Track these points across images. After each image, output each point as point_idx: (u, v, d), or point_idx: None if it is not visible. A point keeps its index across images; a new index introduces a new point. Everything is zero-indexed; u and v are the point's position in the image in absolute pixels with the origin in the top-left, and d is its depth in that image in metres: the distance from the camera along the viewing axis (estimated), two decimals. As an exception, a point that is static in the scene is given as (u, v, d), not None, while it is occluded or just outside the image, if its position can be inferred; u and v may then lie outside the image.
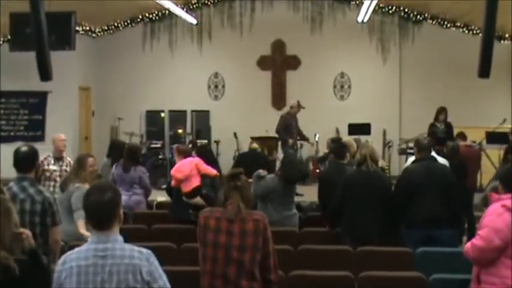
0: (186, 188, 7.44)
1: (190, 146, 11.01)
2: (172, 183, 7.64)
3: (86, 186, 5.97)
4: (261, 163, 8.98)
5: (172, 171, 7.64)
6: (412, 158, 8.08)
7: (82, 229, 5.89)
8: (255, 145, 10.85)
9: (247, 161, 9.64)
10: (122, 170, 8.06)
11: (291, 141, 12.11)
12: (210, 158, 7.96)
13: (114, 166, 8.22)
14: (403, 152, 12.63)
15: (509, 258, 3.94)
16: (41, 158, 8.15)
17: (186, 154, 7.74)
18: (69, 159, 8.32)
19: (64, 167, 8.16)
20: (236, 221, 3.91)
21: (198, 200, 7.35)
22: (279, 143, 13.11)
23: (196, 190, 7.37)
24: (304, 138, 12.69)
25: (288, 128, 12.17)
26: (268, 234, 3.98)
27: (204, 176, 7.47)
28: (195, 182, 7.39)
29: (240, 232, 3.90)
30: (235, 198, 3.95)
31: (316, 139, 13.77)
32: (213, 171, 7.52)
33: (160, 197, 9.45)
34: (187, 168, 7.45)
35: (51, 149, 8.45)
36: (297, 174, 7.10)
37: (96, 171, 6.38)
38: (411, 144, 10.88)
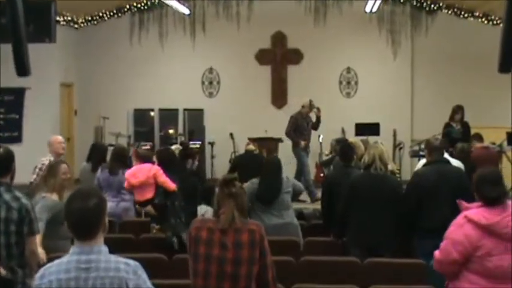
0: (140, 196, 7.54)
1: (181, 147, 10.99)
2: (125, 184, 7.71)
3: (54, 196, 5.95)
4: (259, 167, 8.94)
5: (127, 174, 7.69)
6: (423, 161, 8.07)
7: (38, 245, 5.57)
8: (251, 146, 10.85)
9: (243, 165, 9.63)
10: (108, 173, 8.05)
11: (303, 143, 12.03)
12: (171, 167, 7.70)
13: (99, 170, 8.22)
14: (415, 155, 12.62)
15: (473, 273, 4.01)
16: (45, 161, 8.14)
17: (145, 159, 7.75)
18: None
19: None
20: (230, 232, 3.90)
21: (149, 208, 7.40)
22: (279, 144, 13.12)
23: (150, 200, 7.40)
24: (318, 121, 12.38)
25: (299, 129, 12.12)
26: (266, 245, 3.97)
27: (158, 185, 7.47)
28: (150, 192, 7.44)
29: (234, 244, 3.88)
30: (229, 206, 3.93)
31: (320, 140, 13.75)
32: (171, 185, 7.37)
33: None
34: (144, 175, 7.50)
35: (44, 152, 8.47)
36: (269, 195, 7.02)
37: (69, 179, 6.34)
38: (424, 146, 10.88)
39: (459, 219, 4.08)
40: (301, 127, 12.16)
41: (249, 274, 3.88)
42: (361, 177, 6.34)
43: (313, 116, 12.41)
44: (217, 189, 4.11)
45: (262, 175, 7.05)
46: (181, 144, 11.47)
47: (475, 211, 4.03)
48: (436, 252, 4.16)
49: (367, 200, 6.12)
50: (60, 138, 8.56)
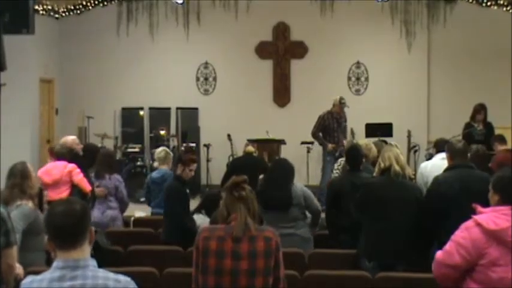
0: (54, 195, 7.63)
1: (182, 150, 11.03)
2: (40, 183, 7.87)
3: (30, 204, 5.95)
4: (259, 171, 8.95)
5: (40, 173, 7.85)
6: (425, 164, 8.05)
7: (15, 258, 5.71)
8: (250, 148, 10.83)
9: (241, 168, 9.59)
10: (94, 178, 8.12)
11: (330, 146, 12.04)
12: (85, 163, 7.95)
13: None
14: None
15: (476, 283, 4.03)
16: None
17: (59, 157, 7.88)
18: None
19: None
20: (244, 240, 3.90)
21: None
22: (282, 146, 13.10)
23: None
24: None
25: (327, 130, 12.14)
26: (280, 255, 3.99)
27: (74, 185, 7.64)
28: (65, 191, 7.57)
29: (249, 253, 3.88)
30: (241, 211, 3.93)
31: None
32: (87, 186, 7.62)
33: (138, 212, 9.45)
34: (59, 173, 7.70)
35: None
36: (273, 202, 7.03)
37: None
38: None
39: (468, 222, 4.12)
40: (329, 128, 12.14)
41: (265, 286, 3.90)
42: (377, 183, 6.32)
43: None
44: (223, 194, 4.10)
45: (270, 177, 7.09)
46: (186, 148, 11.40)
47: (486, 215, 4.07)
48: (438, 253, 4.20)
49: (384, 208, 6.09)
50: (75, 138, 8.57)
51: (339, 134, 12.26)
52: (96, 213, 7.88)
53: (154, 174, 9.02)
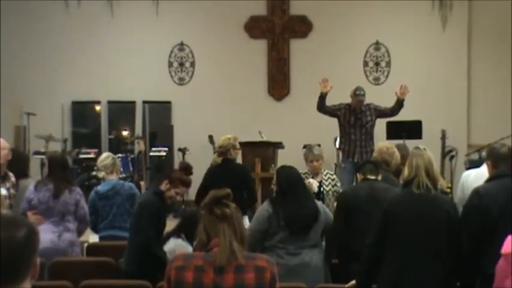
0: None
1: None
2: None
3: None
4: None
5: None
6: (468, 173, 8.07)
7: None
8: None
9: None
10: (49, 192, 8.08)
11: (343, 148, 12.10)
12: None
13: (31, 187, 8.24)
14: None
15: None
16: None
17: None
18: (12, 177, 8.30)
19: (12, 190, 8.15)
20: (229, 271, 3.90)
21: None
22: (278, 151, 13.11)
23: None
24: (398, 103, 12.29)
25: (340, 125, 12.09)
26: None
27: None
28: None
29: (235, 287, 3.90)
30: (224, 234, 3.94)
31: (338, 145, 13.74)
32: None
33: (93, 236, 9.43)
34: None
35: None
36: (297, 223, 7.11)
37: None
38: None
39: None
40: (344, 121, 11.94)
41: None
42: (399, 199, 6.32)
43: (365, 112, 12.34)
44: (203, 212, 4.10)
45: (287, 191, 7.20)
46: (180, 165, 11.32)
47: None
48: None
49: (407, 232, 6.09)
50: (2, 141, 8.48)
51: (357, 133, 12.08)
52: (51, 237, 7.83)
53: (102, 187, 9.03)
